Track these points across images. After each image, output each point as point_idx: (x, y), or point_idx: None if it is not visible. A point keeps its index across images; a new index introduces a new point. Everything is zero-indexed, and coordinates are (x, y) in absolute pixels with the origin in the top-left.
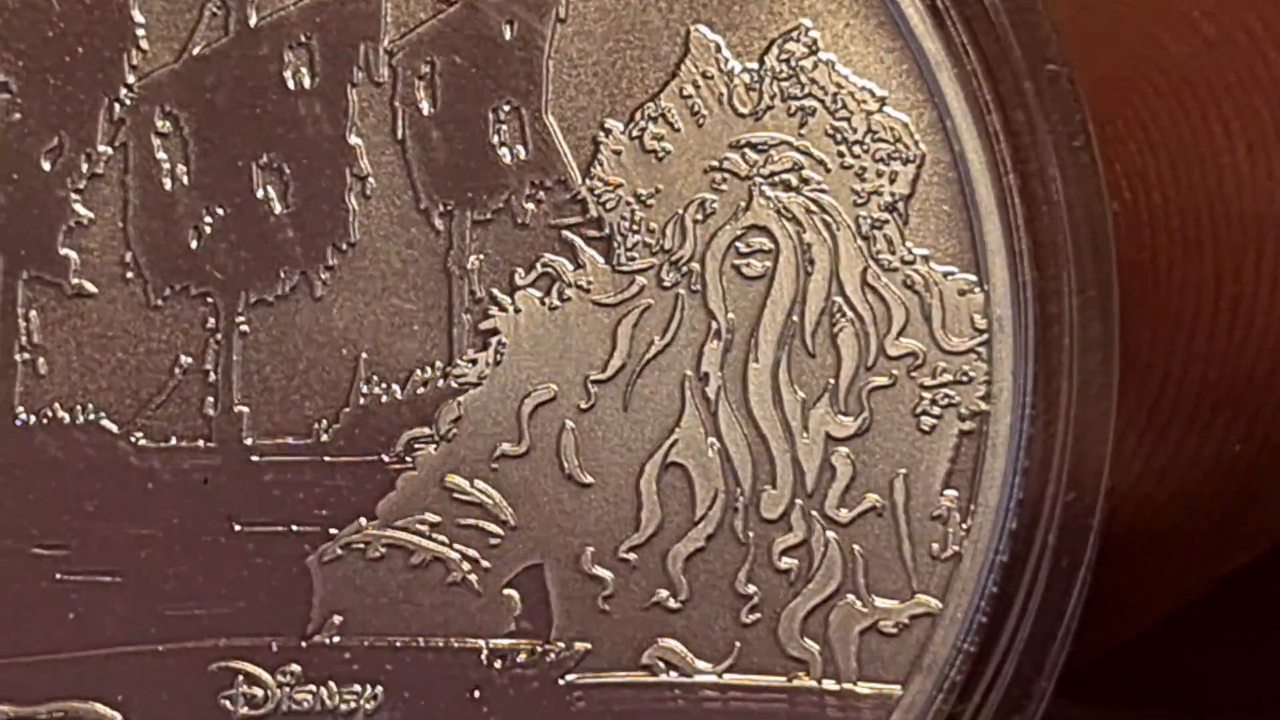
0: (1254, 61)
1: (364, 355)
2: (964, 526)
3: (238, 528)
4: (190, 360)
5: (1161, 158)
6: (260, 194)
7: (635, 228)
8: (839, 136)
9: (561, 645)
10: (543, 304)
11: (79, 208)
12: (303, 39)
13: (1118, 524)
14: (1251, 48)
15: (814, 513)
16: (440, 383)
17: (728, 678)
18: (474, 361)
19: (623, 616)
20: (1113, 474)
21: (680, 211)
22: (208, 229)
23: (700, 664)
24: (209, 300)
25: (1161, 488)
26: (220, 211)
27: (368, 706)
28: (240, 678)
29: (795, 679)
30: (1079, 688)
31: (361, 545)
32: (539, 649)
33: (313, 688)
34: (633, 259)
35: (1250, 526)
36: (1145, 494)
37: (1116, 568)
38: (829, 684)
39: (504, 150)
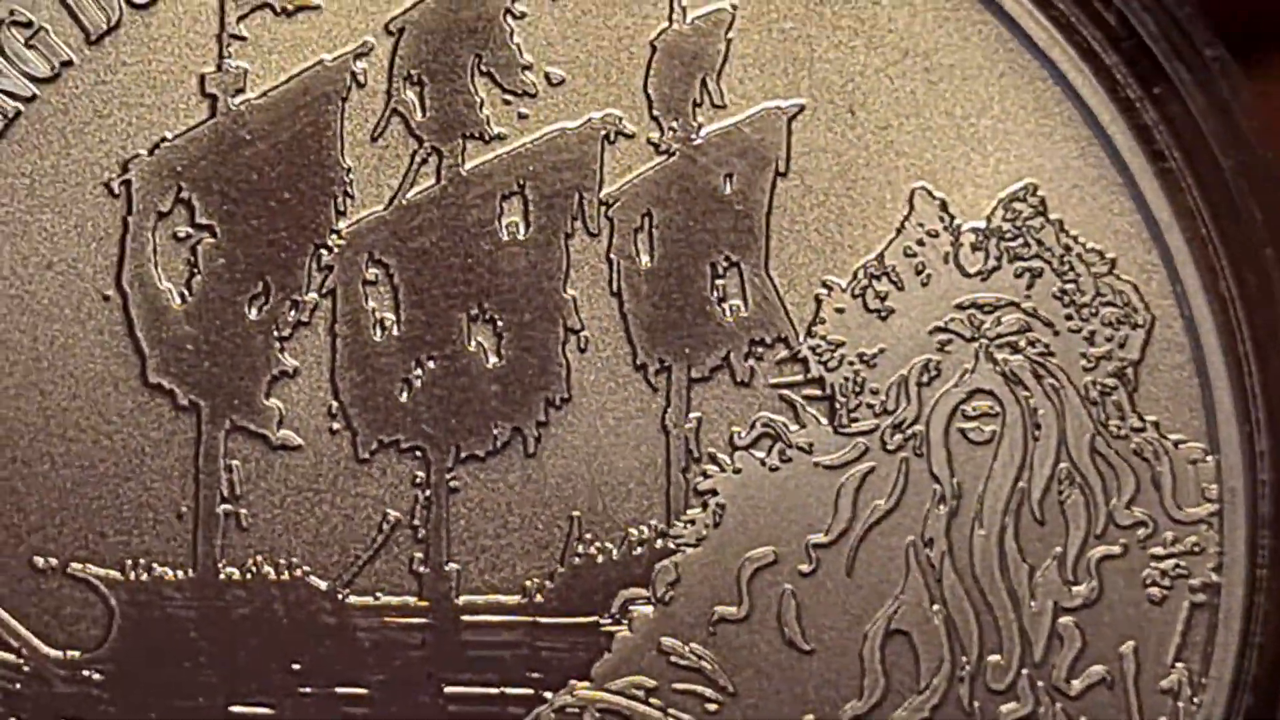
0: None
1: (578, 513)
2: (1195, 701)
3: (448, 689)
4: (398, 516)
5: None
6: (472, 346)
7: (858, 388)
8: (1067, 299)
9: None
10: (763, 465)
11: (285, 356)
12: (516, 187)
13: None
14: None
15: (1042, 684)
16: (657, 543)
17: None
18: (692, 522)
19: None
20: None
21: (905, 373)
22: (417, 381)
23: None
24: (418, 454)
25: None
26: (430, 364)
27: None
28: None
29: None
30: None
31: (576, 709)
32: None
33: None
34: (855, 420)
35: None
36: None
37: None
38: None
39: (723, 306)
